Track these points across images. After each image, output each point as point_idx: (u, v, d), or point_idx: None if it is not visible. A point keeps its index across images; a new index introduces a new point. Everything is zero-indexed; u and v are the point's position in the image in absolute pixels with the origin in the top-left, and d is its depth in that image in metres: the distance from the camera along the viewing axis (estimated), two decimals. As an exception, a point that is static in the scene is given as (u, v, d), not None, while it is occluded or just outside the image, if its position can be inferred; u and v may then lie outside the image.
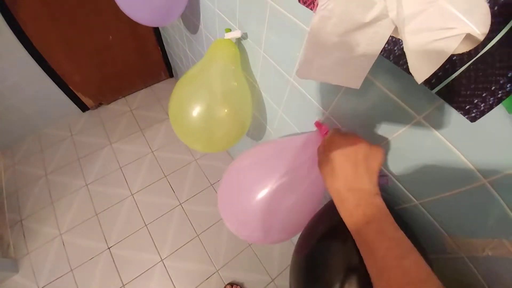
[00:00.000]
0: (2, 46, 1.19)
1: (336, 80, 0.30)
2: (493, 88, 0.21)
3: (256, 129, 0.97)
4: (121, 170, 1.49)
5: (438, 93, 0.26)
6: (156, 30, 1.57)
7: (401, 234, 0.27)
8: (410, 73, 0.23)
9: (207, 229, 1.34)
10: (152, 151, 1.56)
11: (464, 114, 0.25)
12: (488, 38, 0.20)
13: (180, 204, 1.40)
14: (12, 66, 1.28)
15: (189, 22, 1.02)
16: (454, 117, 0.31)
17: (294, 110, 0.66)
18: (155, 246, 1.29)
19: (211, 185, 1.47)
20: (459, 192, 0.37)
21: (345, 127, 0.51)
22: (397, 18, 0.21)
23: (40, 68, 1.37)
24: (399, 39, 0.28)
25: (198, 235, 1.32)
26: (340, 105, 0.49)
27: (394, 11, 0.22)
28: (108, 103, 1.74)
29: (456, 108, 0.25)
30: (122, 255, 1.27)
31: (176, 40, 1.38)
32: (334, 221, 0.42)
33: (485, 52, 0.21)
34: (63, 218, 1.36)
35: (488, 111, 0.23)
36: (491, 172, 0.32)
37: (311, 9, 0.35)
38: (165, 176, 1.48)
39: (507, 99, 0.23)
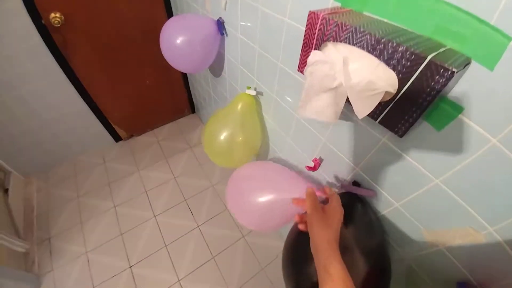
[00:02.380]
0: (54, 84, 1.45)
1: (320, 117, 0.48)
2: (406, 117, 0.39)
3: (266, 153, 1.16)
4: (146, 193, 1.66)
5: (380, 122, 0.43)
6: (184, 75, 1.89)
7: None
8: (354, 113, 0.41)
9: (222, 251, 1.43)
10: (175, 177, 1.74)
11: (395, 133, 0.42)
12: (398, 91, 0.39)
13: (198, 226, 1.52)
14: (61, 101, 1.54)
15: (215, 70, 1.29)
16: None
17: (300, 139, 0.84)
18: (173, 267, 1.38)
19: (226, 209, 1.59)
20: (422, 192, 0.52)
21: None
22: (347, 86, 0.40)
23: (86, 104, 1.65)
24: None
25: (213, 257, 1.41)
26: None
27: (346, 83, 0.40)
28: (139, 134, 2.00)
29: (389, 129, 0.42)
30: (142, 274, 1.36)
31: (201, 83, 1.66)
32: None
33: (397, 98, 0.39)
34: (90, 237, 1.49)
35: (407, 130, 0.40)
36: (439, 173, 0.47)
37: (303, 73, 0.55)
38: (185, 200, 1.62)
39: (432, 121, 0.40)
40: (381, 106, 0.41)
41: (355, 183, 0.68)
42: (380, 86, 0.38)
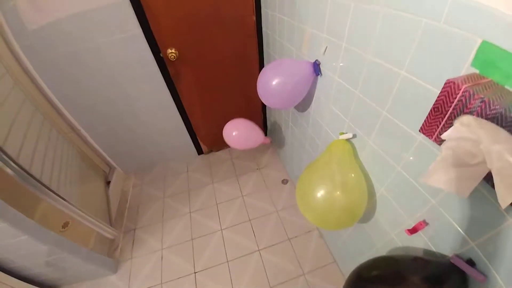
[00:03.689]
0: (161, 103, 1.76)
1: (449, 189, 0.44)
2: None
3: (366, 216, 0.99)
4: (217, 206, 1.80)
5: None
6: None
7: None
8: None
9: (280, 284, 1.40)
10: (242, 196, 1.84)
11: None
12: None
13: (258, 250, 1.54)
14: (164, 117, 1.86)
15: (299, 106, 1.33)
16: None
17: (399, 196, 0.77)
18: (232, 284, 1.43)
19: (288, 239, 1.57)
20: None
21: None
22: (493, 167, 0.36)
23: (182, 121, 1.95)
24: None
25: (271, 287, 1.39)
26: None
27: (490, 164, 0.36)
28: (217, 151, 2.23)
29: None
30: (204, 283, 1.45)
31: (280, 113, 1.75)
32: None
33: None
34: (168, 235, 1.70)
35: None
36: None
37: (429, 137, 0.51)
38: (249, 220, 1.69)
39: None
40: None
41: (470, 262, 0.58)
42: None
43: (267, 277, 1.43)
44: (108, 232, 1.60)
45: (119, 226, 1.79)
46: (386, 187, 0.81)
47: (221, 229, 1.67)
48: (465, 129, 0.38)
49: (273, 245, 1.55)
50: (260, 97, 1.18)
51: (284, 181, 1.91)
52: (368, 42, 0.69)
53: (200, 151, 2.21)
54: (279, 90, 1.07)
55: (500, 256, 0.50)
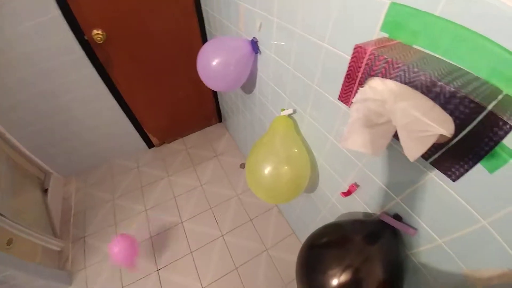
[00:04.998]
0: (96, 94, 1.57)
1: (366, 150, 0.47)
2: (461, 163, 0.37)
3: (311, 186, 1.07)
4: (175, 199, 1.73)
5: (431, 163, 0.42)
6: (214, 86, 1.96)
7: None
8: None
9: (245, 263, 1.43)
10: (201, 185, 1.80)
11: (448, 177, 0.40)
12: (454, 136, 0.37)
13: (222, 235, 1.55)
14: (101, 109, 1.67)
15: (246, 88, 1.32)
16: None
17: (334, 161, 0.82)
18: (198, 274, 1.42)
19: (250, 220, 1.60)
20: (468, 232, 0.48)
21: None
22: (397, 125, 0.39)
23: (124, 114, 1.78)
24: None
25: (236, 268, 1.42)
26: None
27: (397, 121, 0.40)
28: (169, 142, 2.11)
29: (442, 172, 0.40)
30: (169, 279, 1.41)
31: (230, 96, 1.71)
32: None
33: (453, 143, 0.37)
34: None
35: (461, 175, 0.38)
36: (487, 214, 0.44)
37: (346, 104, 0.54)
38: (211, 208, 1.67)
39: (484, 163, 0.38)
40: (433, 147, 0.39)
41: (397, 216, 0.65)
42: (434, 128, 0.36)
43: (232, 260, 1.45)
44: (53, 244, 1.44)
45: (66, 236, 1.61)
46: (324, 156, 0.86)
47: (182, 222, 1.62)
48: (370, 91, 0.40)
49: (236, 228, 1.57)
50: (202, 80, 1.12)
51: (242, 165, 1.92)
52: (296, 16, 0.69)
53: (150, 145, 2.06)
54: (219, 71, 1.03)
55: (422, 207, 0.57)
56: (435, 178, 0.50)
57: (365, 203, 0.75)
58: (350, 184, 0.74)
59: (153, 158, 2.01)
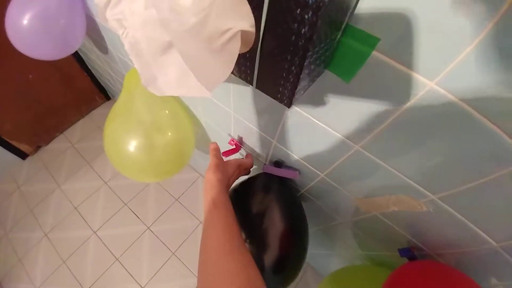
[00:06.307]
0: None
1: (191, 94, 0.29)
2: (284, 74, 0.22)
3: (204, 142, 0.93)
4: (77, 210, 1.39)
5: (256, 87, 0.27)
6: (77, 56, 1.46)
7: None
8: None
9: (181, 244, 1.31)
10: (105, 182, 1.47)
11: (280, 102, 0.26)
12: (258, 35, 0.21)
13: (148, 227, 1.36)
14: None
15: (99, 44, 0.96)
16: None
17: (213, 115, 0.66)
18: (132, 277, 1.25)
19: (176, 200, 1.43)
20: (345, 160, 0.40)
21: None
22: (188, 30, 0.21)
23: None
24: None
25: (173, 253, 1.30)
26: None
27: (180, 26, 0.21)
28: (47, 144, 1.60)
29: (272, 97, 0.26)
30: (100, 297, 1.21)
31: (97, 63, 1.29)
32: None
33: (261, 46, 0.22)
34: (34, 273, 1.26)
35: (292, 96, 0.24)
36: (358, 138, 0.34)
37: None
38: (125, 204, 1.41)
39: (335, 68, 0.24)
40: (245, 64, 0.24)
41: (277, 163, 0.55)
42: (231, 23, 0.19)
43: (167, 247, 1.31)
44: None
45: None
46: (205, 114, 0.68)
47: (95, 232, 1.34)
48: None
49: (162, 214, 1.39)
50: (16, 48, 0.73)
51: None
52: None
53: (23, 155, 1.52)
54: (37, 26, 0.66)
55: (295, 143, 0.47)
56: (295, 107, 0.38)
57: (256, 155, 0.63)
58: (231, 139, 0.60)
59: (33, 170, 1.52)
